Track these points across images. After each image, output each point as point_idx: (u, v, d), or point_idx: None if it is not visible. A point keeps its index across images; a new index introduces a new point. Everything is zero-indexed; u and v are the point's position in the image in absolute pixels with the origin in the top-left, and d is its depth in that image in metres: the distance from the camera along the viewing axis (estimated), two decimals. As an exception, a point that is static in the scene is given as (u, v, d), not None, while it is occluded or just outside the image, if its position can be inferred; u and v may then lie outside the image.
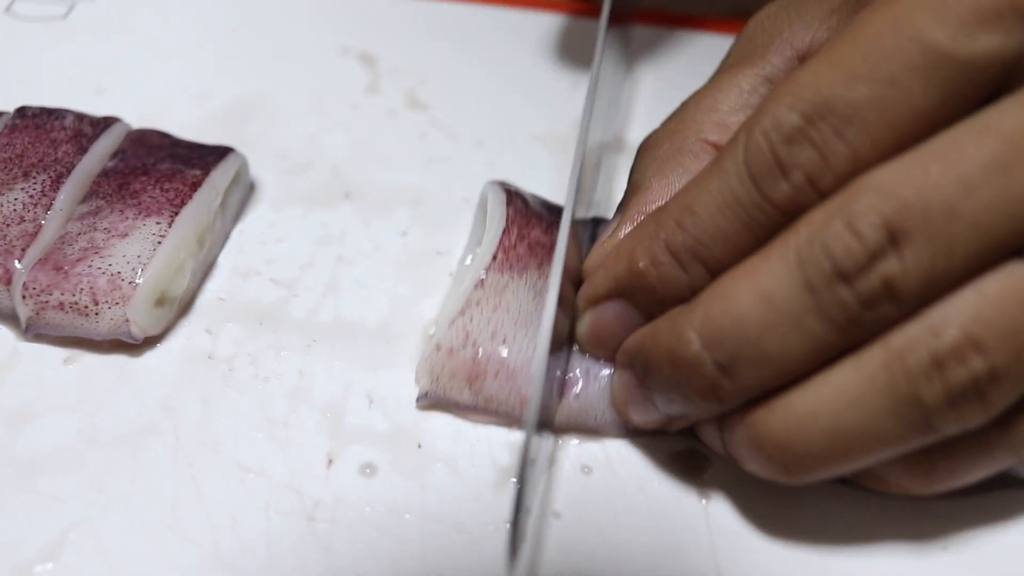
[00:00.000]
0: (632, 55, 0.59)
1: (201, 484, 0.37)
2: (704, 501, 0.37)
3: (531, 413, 0.33)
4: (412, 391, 0.40)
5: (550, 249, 0.42)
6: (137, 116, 0.50)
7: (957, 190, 0.28)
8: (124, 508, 0.36)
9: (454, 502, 0.37)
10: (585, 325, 0.38)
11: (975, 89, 0.30)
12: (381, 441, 0.38)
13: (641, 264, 0.35)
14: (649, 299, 0.35)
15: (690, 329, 0.32)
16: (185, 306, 0.43)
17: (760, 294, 0.31)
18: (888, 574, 0.36)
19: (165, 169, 0.44)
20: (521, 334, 0.39)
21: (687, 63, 0.59)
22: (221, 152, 0.46)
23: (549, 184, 0.50)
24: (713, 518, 0.37)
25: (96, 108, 0.48)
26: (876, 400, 0.30)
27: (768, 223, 0.32)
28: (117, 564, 0.34)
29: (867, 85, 0.30)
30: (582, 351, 0.39)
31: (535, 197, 0.45)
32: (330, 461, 0.37)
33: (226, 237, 0.46)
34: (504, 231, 0.41)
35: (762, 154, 0.31)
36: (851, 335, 0.30)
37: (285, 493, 0.36)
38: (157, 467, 0.37)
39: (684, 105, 0.40)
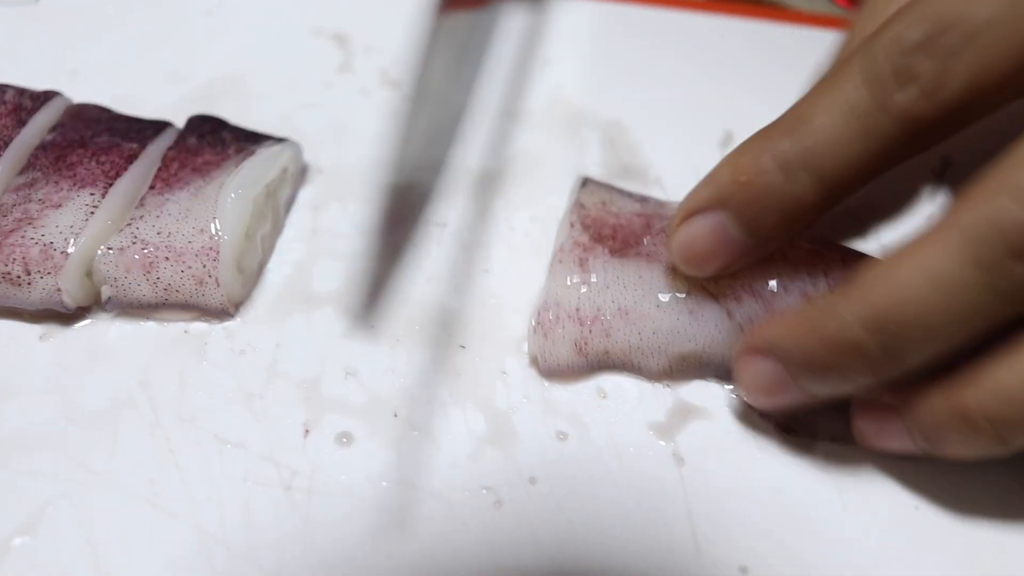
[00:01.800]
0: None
1: (179, 457, 0.37)
2: (679, 465, 0.38)
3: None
4: (388, 361, 0.40)
5: (217, 164, 0.44)
6: (111, 98, 0.50)
7: None
8: (102, 483, 0.36)
9: (430, 470, 0.37)
10: (678, 239, 0.37)
11: None
12: (357, 411, 0.39)
13: (745, 174, 0.35)
14: (751, 210, 0.35)
15: (850, 314, 0.32)
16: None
17: (926, 274, 0.30)
18: (858, 529, 0.36)
19: (102, 142, 0.44)
20: (184, 225, 0.41)
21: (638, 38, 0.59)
22: (159, 126, 0.46)
23: (519, 157, 0.50)
24: (688, 482, 0.37)
25: (71, 90, 0.48)
26: None
27: (882, 133, 0.32)
28: (96, 538, 0.34)
29: (989, 5, 0.30)
30: (677, 266, 0.39)
31: (225, 125, 0.47)
32: (307, 432, 0.38)
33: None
34: (160, 168, 0.43)
35: (882, 64, 0.32)
36: (1019, 308, 0.30)
37: (263, 464, 0.37)
38: (135, 442, 0.37)
39: None
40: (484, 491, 0.36)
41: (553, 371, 0.40)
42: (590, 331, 0.39)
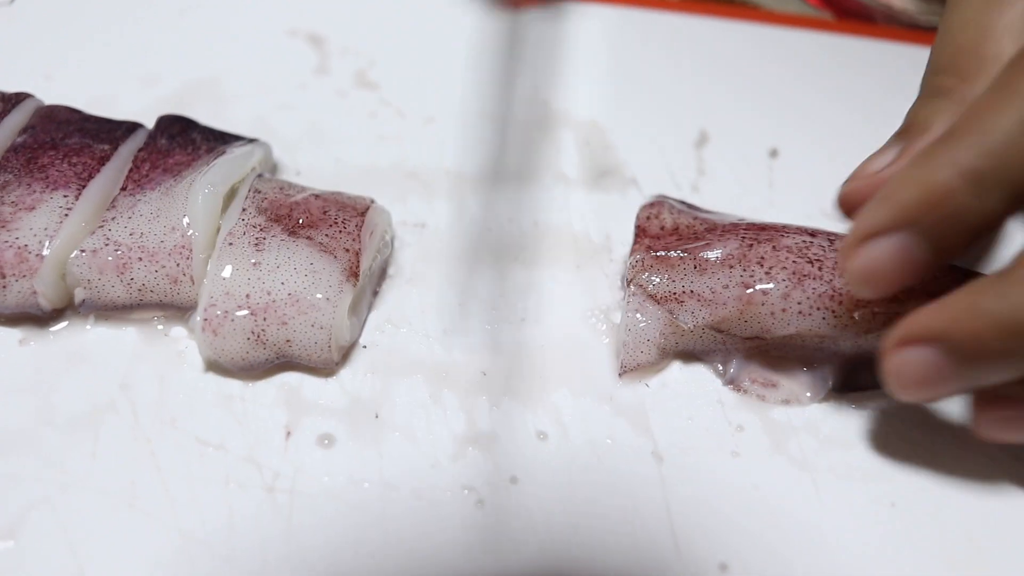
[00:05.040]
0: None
1: (160, 460, 0.37)
2: (658, 463, 0.38)
3: None
4: (367, 363, 0.41)
5: (188, 164, 0.44)
6: (87, 100, 0.50)
7: None
8: (84, 486, 0.36)
9: (412, 470, 0.37)
10: (858, 264, 0.34)
11: None
12: (338, 413, 0.39)
13: (936, 193, 0.32)
14: (940, 230, 0.32)
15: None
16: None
17: None
18: (836, 526, 0.37)
19: (74, 143, 0.44)
20: (156, 224, 0.41)
21: (644, 42, 0.60)
22: (130, 127, 0.46)
23: (496, 159, 0.50)
24: (667, 480, 0.37)
25: (45, 93, 0.48)
26: None
27: None
28: (77, 541, 0.34)
29: None
30: (851, 289, 0.36)
31: (195, 125, 0.47)
32: (288, 433, 0.38)
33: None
34: (131, 169, 0.43)
35: None
36: None
37: (244, 466, 0.37)
38: (116, 444, 0.37)
39: None
40: (465, 491, 0.37)
41: (235, 368, 0.39)
42: (264, 319, 0.39)
